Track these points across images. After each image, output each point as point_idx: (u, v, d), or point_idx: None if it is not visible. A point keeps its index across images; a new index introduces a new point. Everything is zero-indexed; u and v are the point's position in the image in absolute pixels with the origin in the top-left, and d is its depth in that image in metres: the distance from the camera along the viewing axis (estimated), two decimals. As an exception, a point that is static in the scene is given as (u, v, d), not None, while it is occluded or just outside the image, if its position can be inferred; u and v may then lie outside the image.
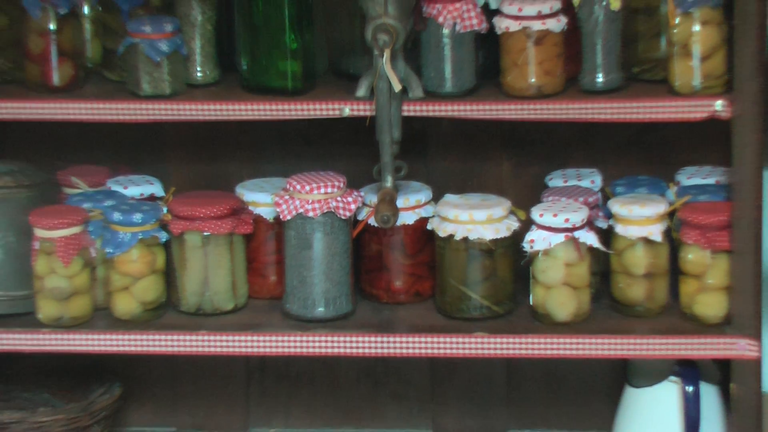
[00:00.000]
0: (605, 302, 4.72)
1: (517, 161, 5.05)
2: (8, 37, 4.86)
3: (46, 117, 4.71)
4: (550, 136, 4.99)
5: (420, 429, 5.24)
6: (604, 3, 4.57)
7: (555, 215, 4.58)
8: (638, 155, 4.97)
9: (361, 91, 4.51)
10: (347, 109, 4.60)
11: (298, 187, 4.68)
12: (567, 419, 5.25)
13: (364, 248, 4.84)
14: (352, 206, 4.72)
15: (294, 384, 5.28)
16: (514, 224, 4.66)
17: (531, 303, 4.69)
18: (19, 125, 4.87)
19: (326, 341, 4.68)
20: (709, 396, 4.78)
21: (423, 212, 4.79)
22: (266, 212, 4.85)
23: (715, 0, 4.49)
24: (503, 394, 5.22)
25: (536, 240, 4.61)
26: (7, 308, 4.84)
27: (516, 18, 4.52)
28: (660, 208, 4.63)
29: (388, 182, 4.55)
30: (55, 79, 4.72)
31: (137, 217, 4.69)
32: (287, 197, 4.68)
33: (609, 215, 4.71)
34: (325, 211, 4.65)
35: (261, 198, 4.85)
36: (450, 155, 5.03)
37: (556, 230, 4.58)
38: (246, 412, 5.29)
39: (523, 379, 5.21)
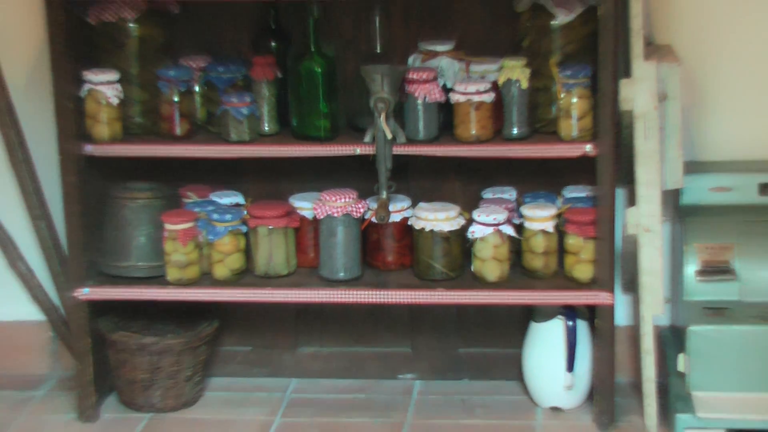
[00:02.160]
0: (518, 270, 4.75)
1: (464, 182, 4.96)
2: (151, 105, 4.82)
3: (173, 155, 4.76)
4: (484, 167, 4.85)
5: (403, 347, 5.17)
6: (518, 84, 4.54)
7: (487, 216, 4.62)
8: (539, 179, 4.88)
9: (367, 138, 4.57)
10: (358, 150, 4.63)
11: (328, 198, 4.69)
12: (496, 342, 5.13)
13: (368, 236, 4.84)
14: (361, 210, 4.73)
15: (325, 320, 5.20)
16: (462, 221, 4.70)
17: (472, 270, 4.72)
18: (156, 160, 4.81)
19: (344, 294, 4.73)
20: (582, 328, 4.77)
21: (406, 214, 4.78)
22: (308, 213, 4.81)
23: (586, 83, 4.53)
24: (455, 326, 5.13)
25: (476, 231, 4.65)
26: (147, 273, 4.84)
27: (463, 94, 4.56)
28: (552, 211, 4.67)
29: (383, 195, 4.59)
30: (177, 131, 4.71)
31: (228, 216, 4.75)
32: (321, 204, 4.70)
33: (520, 216, 4.71)
34: (344, 213, 4.67)
35: (305, 205, 4.82)
36: (422, 178, 4.95)
37: (487, 225, 4.61)
38: (295, 337, 5.18)
39: (469, 317, 5.12)
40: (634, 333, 4.95)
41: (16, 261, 5.18)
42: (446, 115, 4.72)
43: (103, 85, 4.71)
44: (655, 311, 4.60)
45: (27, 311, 5.30)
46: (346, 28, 4.93)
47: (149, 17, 4.86)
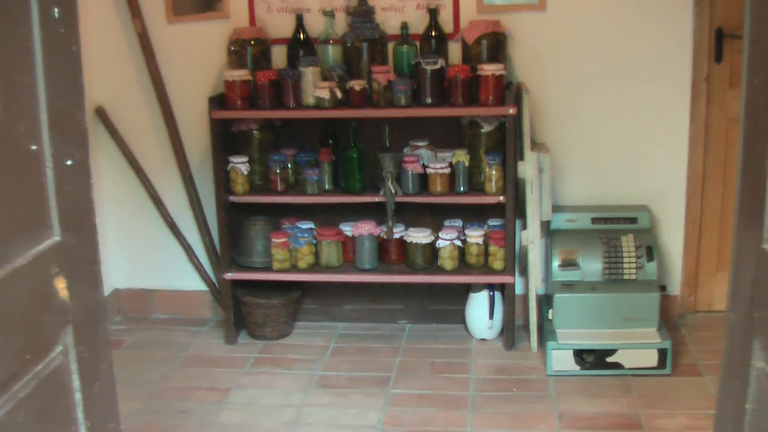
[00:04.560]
0: (463, 264, 4.79)
1: (433, 216, 4.94)
2: (265, 174, 4.87)
3: (276, 202, 4.83)
4: (444, 208, 4.90)
5: (399, 305, 5.19)
6: (463, 163, 4.63)
7: (446, 234, 4.71)
8: (474, 215, 4.87)
9: (381, 193, 4.66)
10: (376, 199, 4.67)
11: (360, 225, 4.77)
12: (451, 302, 5.11)
13: (381, 245, 4.82)
14: (378, 232, 4.79)
15: (357, 290, 5.14)
16: (432, 238, 4.74)
17: (438, 264, 4.77)
18: (267, 204, 4.87)
19: (369, 277, 4.80)
20: (498, 298, 4.83)
21: (402, 234, 4.79)
22: (349, 233, 4.83)
23: (499, 162, 4.54)
24: (428, 293, 5.11)
25: (440, 243, 4.72)
26: (262, 265, 4.90)
27: (433, 168, 4.63)
28: (481, 232, 4.73)
29: (390, 223, 4.71)
30: (279, 188, 4.79)
31: (306, 235, 4.84)
32: (356, 228, 4.77)
33: (464, 234, 4.75)
34: (369, 233, 4.75)
35: (347, 228, 4.84)
36: (411, 214, 4.89)
37: (446, 240, 4.70)
38: (342, 299, 5.21)
39: (436, 289, 5.10)
40: (525, 298, 4.92)
41: (192, 258, 5.26)
42: (423, 180, 4.74)
43: (239, 164, 4.80)
44: (537, 286, 4.71)
45: (198, 285, 5.35)
46: (370, 133, 4.92)
47: (264, 127, 4.92)
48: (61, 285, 1.82)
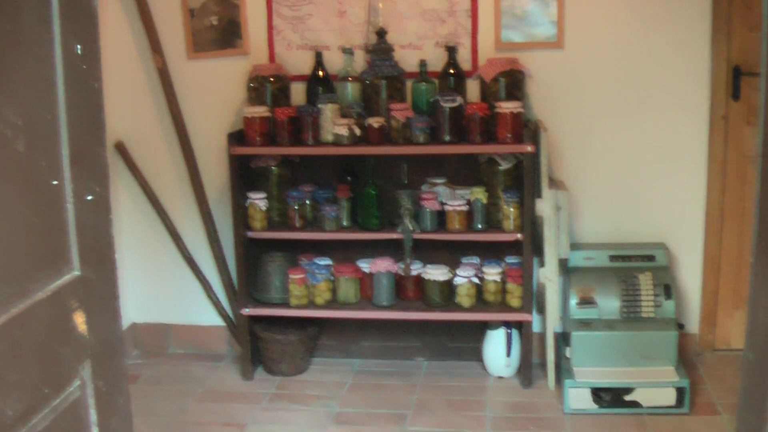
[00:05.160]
0: (480, 301, 4.77)
1: (450, 253, 4.90)
2: (283, 210, 4.87)
3: (294, 237, 4.84)
4: (462, 245, 4.82)
5: (416, 342, 5.15)
6: (480, 201, 4.62)
7: (463, 272, 4.72)
8: (492, 251, 4.84)
9: (399, 229, 4.66)
10: (394, 235, 4.66)
11: (377, 262, 4.78)
12: (467, 340, 5.07)
13: (399, 282, 4.83)
14: (396, 269, 4.79)
15: (374, 327, 5.13)
16: (450, 275, 4.74)
17: (455, 301, 4.76)
18: (285, 240, 4.86)
19: (386, 313, 4.78)
20: (516, 335, 4.83)
21: (419, 270, 4.79)
22: (367, 269, 4.83)
23: (517, 200, 4.57)
24: (445, 331, 5.06)
25: (457, 280, 4.73)
26: (279, 300, 4.89)
27: (451, 206, 4.62)
28: (498, 269, 4.73)
29: (407, 260, 4.72)
30: (297, 225, 4.80)
31: (323, 271, 4.84)
32: (374, 265, 4.78)
33: (482, 272, 4.74)
34: (386, 270, 4.75)
35: (365, 265, 4.86)
36: (428, 251, 4.86)
37: (464, 277, 4.70)
38: (359, 336, 5.18)
39: (453, 326, 5.06)
40: (542, 336, 4.89)
41: (210, 293, 5.27)
42: (440, 217, 4.74)
43: (258, 200, 4.81)
44: (554, 323, 4.66)
45: (215, 320, 5.34)
46: (387, 170, 4.92)
47: (283, 164, 4.94)
48: (79, 319, 1.83)
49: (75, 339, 1.82)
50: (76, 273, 1.83)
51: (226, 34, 5.04)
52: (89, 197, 1.85)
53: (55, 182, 1.76)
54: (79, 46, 1.81)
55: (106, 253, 1.94)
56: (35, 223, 1.72)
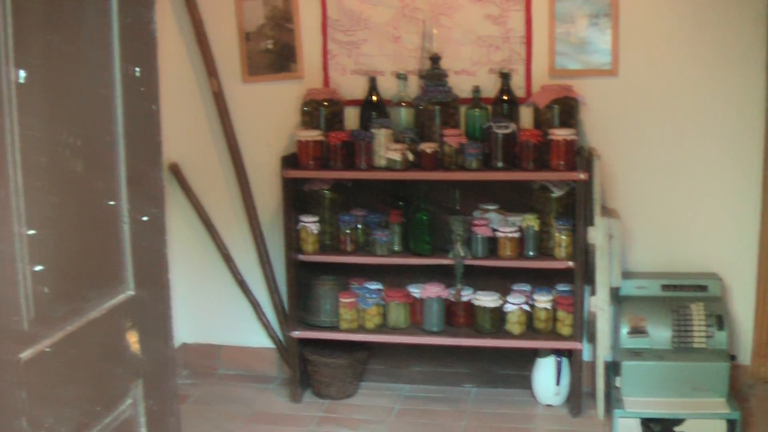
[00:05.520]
0: (530, 328, 4.76)
1: (501, 280, 4.87)
2: (334, 234, 4.86)
3: (346, 261, 4.86)
4: (513, 272, 4.80)
5: (465, 369, 5.14)
6: (532, 228, 4.64)
7: (514, 299, 4.71)
8: (543, 279, 4.84)
9: (450, 255, 4.65)
10: (445, 260, 4.67)
11: (428, 287, 4.79)
12: (517, 367, 5.04)
13: (449, 307, 4.84)
14: (446, 295, 4.79)
15: (424, 352, 5.11)
16: (500, 302, 4.73)
17: (505, 328, 4.76)
18: (336, 264, 4.88)
19: (436, 339, 4.78)
20: (566, 364, 4.81)
21: (470, 297, 4.79)
22: (417, 294, 4.83)
23: (569, 228, 4.59)
24: (495, 358, 5.06)
25: (508, 307, 4.72)
26: (330, 324, 4.91)
27: (503, 232, 4.65)
28: (549, 297, 4.72)
29: (458, 286, 4.73)
30: (348, 249, 4.82)
31: (373, 296, 4.87)
32: (424, 290, 4.79)
33: (533, 299, 4.73)
34: (437, 295, 4.75)
35: (414, 290, 4.85)
36: (479, 278, 4.83)
37: (514, 304, 4.69)
38: (408, 362, 5.14)
39: (503, 353, 5.03)
40: (593, 364, 4.85)
41: (260, 314, 5.28)
42: (492, 244, 4.76)
43: (309, 223, 4.84)
44: (605, 353, 4.61)
45: (265, 342, 5.35)
46: (439, 196, 4.92)
47: (335, 187, 4.96)
48: (133, 338, 1.85)
49: (128, 358, 1.85)
50: (131, 293, 1.87)
51: (280, 58, 5.09)
52: (145, 218, 1.89)
53: (111, 203, 1.79)
54: (137, 69, 1.85)
55: (160, 274, 1.97)
56: (91, 243, 1.75)
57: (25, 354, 1.57)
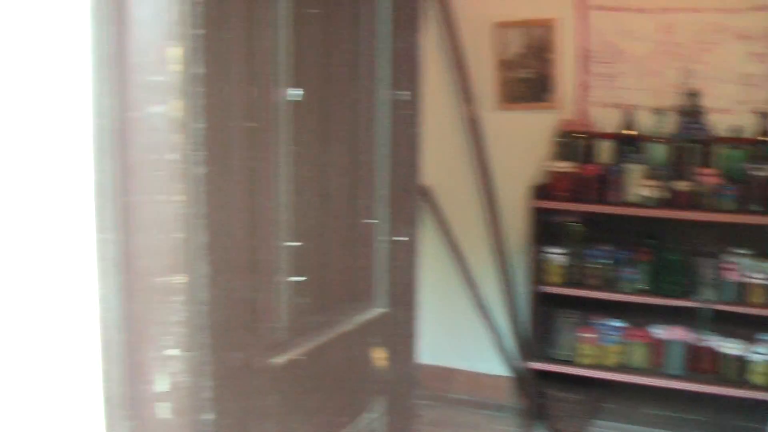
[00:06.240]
0: None
1: (748, 328, 4.55)
2: (577, 269, 4.80)
3: (590, 296, 4.79)
4: (761, 320, 4.53)
5: (703, 416, 4.88)
6: None
7: (761, 348, 4.54)
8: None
9: (696, 297, 4.52)
10: (691, 303, 4.55)
11: (672, 330, 4.69)
12: (756, 418, 4.79)
13: (693, 352, 4.69)
14: (690, 338, 4.67)
15: (663, 398, 4.88)
16: (746, 350, 4.57)
17: (749, 378, 4.56)
18: (579, 297, 4.83)
19: (676, 384, 4.65)
20: None
21: (714, 343, 4.61)
22: (659, 335, 4.71)
23: None
24: (736, 410, 4.74)
25: (755, 358, 4.55)
26: (567, 357, 4.86)
27: (753, 278, 4.50)
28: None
29: (703, 331, 4.71)
30: (593, 282, 4.78)
31: (615, 333, 4.82)
32: (668, 332, 4.68)
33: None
34: (681, 338, 4.64)
35: (657, 331, 4.71)
36: (725, 323, 4.61)
37: (761, 354, 4.53)
38: (643, 404, 5.02)
39: (747, 406, 4.71)
40: None
41: (499, 342, 5.25)
42: (740, 289, 4.59)
43: (556, 255, 4.87)
44: None
45: (499, 370, 5.33)
46: (689, 235, 4.77)
47: (584, 220, 4.92)
48: (380, 354, 1.91)
49: (375, 373, 1.90)
50: (381, 310, 1.92)
51: (536, 88, 5.11)
52: (401, 238, 1.94)
53: (370, 222, 1.86)
54: (406, 93, 1.92)
55: (411, 294, 2.03)
56: (348, 259, 1.82)
57: (279, 360, 1.64)
